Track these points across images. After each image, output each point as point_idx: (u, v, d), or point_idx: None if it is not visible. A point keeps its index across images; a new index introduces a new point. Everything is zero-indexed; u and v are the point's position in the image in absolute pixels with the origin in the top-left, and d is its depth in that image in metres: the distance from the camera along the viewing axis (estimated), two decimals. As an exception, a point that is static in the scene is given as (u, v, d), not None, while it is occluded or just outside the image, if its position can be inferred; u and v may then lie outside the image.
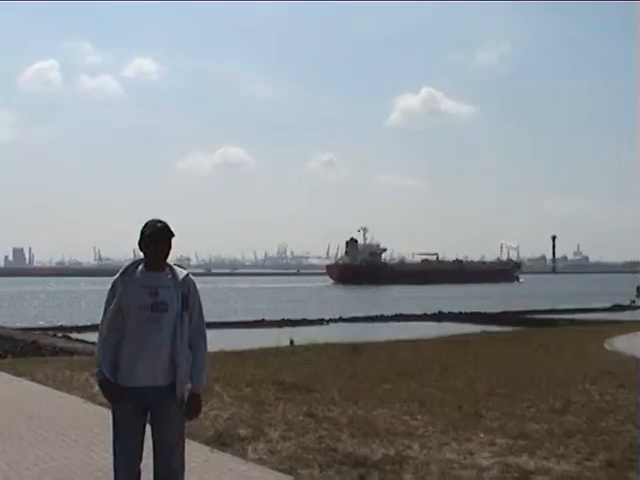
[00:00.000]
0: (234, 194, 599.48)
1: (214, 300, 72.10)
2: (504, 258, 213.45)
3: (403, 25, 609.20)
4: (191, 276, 5.80)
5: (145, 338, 5.54)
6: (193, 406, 5.76)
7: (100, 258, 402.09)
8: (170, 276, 5.70)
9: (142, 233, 5.68)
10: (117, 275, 5.75)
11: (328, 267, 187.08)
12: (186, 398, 5.70)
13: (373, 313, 64.30)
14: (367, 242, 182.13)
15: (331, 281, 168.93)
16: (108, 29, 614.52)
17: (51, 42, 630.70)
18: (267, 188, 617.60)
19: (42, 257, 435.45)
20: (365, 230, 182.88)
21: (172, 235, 5.70)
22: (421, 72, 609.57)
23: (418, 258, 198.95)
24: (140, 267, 5.72)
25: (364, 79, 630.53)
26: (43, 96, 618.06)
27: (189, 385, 5.70)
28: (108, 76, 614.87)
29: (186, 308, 5.67)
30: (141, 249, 5.71)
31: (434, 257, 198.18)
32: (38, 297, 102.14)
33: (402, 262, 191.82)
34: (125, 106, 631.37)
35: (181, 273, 5.73)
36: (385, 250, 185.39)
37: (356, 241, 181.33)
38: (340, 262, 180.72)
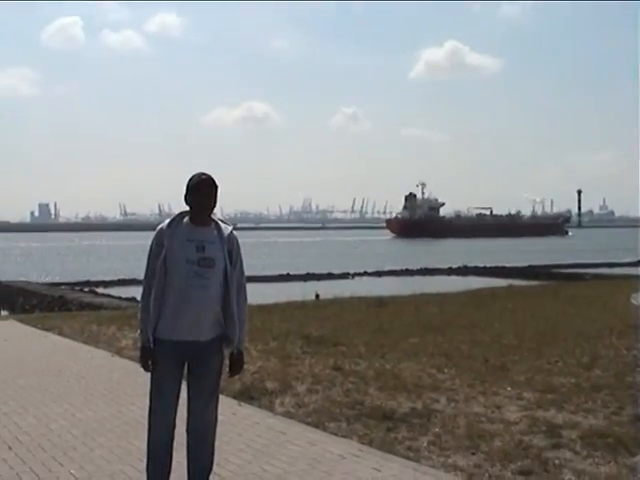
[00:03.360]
0: (259, 148, 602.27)
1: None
2: (529, 212, 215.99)
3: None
4: (235, 232, 5.76)
5: (191, 292, 5.49)
6: (238, 362, 5.77)
7: (125, 213, 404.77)
8: (216, 232, 5.64)
9: (187, 186, 5.62)
10: (163, 226, 5.64)
11: (388, 221, 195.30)
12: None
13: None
14: (425, 197, 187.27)
15: (391, 235, 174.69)
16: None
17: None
18: (291, 142, 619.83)
19: (68, 212, 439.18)
20: (424, 185, 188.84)
21: (217, 187, 5.64)
22: (446, 25, 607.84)
23: (473, 212, 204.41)
24: (186, 220, 5.66)
25: (388, 32, 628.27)
26: (66, 52, 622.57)
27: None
28: (131, 31, 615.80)
29: (231, 263, 5.64)
30: (187, 202, 5.64)
31: (488, 211, 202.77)
32: (64, 252, 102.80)
33: (458, 216, 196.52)
34: (149, 61, 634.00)
35: (226, 229, 5.68)
36: (443, 204, 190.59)
37: (415, 195, 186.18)
38: (400, 216, 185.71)
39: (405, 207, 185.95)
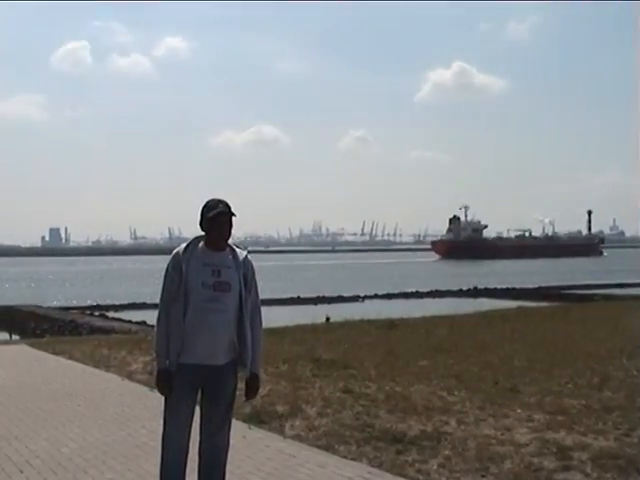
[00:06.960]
0: (268, 172, 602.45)
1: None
2: (545, 233, 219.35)
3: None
4: (250, 256, 5.79)
5: (207, 317, 5.50)
6: (253, 386, 5.80)
7: (136, 237, 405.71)
8: (231, 256, 5.67)
9: (203, 214, 5.64)
10: (179, 250, 5.67)
11: (433, 243, 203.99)
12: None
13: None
14: (469, 219, 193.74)
15: (437, 256, 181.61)
16: (138, 8, 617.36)
17: (81, 22, 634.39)
18: (301, 165, 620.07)
19: (78, 237, 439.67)
20: (466, 208, 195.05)
21: (233, 215, 5.65)
22: (452, 46, 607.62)
23: (512, 234, 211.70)
24: (201, 245, 5.68)
25: (395, 54, 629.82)
26: (75, 76, 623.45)
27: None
28: (139, 55, 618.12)
29: (246, 287, 5.67)
30: (202, 229, 5.67)
31: (527, 233, 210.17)
32: (75, 276, 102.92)
33: (500, 238, 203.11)
34: (156, 85, 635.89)
35: (241, 254, 5.71)
36: (486, 227, 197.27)
37: (459, 218, 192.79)
38: (445, 239, 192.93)
39: (449, 230, 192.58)
